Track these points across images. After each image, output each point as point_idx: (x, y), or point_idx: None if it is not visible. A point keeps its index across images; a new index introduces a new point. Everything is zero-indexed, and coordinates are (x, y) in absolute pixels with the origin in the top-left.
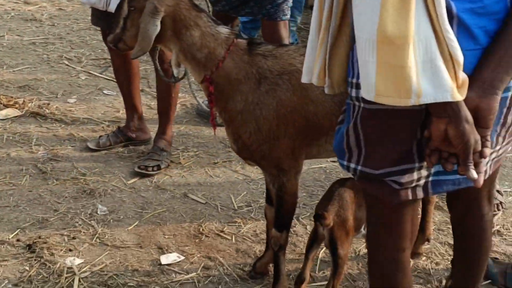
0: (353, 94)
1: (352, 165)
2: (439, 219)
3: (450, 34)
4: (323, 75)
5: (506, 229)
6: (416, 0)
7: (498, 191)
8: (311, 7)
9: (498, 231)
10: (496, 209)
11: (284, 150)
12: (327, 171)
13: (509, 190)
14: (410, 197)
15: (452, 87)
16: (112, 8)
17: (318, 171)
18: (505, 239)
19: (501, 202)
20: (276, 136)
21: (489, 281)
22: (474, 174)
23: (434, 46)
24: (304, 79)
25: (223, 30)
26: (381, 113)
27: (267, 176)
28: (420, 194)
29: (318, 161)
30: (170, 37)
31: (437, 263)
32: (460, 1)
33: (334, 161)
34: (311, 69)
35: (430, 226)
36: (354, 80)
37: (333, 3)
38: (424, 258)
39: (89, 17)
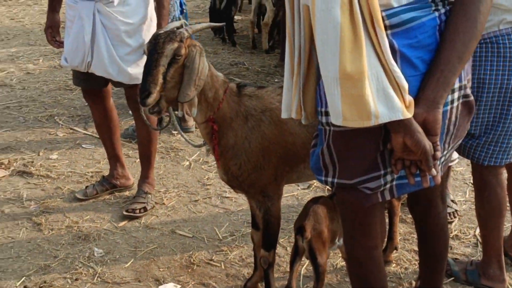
0: (324, 120)
1: (329, 179)
2: (404, 230)
3: (394, 67)
4: (299, 110)
5: (463, 233)
6: (366, 43)
7: (452, 201)
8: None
9: (456, 235)
10: (452, 217)
11: (269, 177)
12: (299, 197)
13: (462, 199)
14: (380, 200)
15: (402, 108)
16: (94, 69)
17: (291, 199)
18: (463, 242)
19: (456, 211)
20: (262, 166)
21: (453, 278)
22: (434, 171)
23: (384, 77)
24: (284, 115)
25: (220, 74)
26: (348, 134)
27: (253, 203)
28: (387, 196)
29: (290, 190)
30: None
31: (406, 268)
32: (400, 39)
33: (304, 189)
34: (289, 106)
35: (397, 236)
36: (323, 109)
37: (301, 52)
38: (394, 264)
39: (57, 79)
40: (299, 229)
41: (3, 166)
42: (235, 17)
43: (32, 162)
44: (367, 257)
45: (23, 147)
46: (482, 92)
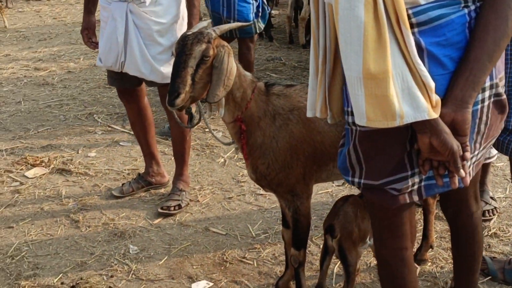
0: (350, 120)
1: (356, 180)
2: (441, 228)
3: (421, 66)
4: (324, 109)
5: (502, 231)
6: (391, 42)
7: (492, 198)
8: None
9: (495, 233)
10: (491, 214)
11: (297, 177)
12: (334, 194)
13: (502, 196)
14: (408, 201)
15: (427, 108)
16: (127, 69)
17: (326, 196)
18: (502, 239)
19: (495, 208)
20: (290, 165)
21: (490, 277)
22: (463, 173)
23: (409, 76)
24: (309, 114)
25: (248, 73)
26: (374, 134)
27: (282, 202)
28: (415, 197)
29: (325, 187)
30: None
31: (441, 267)
32: (427, 37)
33: (338, 186)
34: (314, 105)
35: (432, 234)
36: (349, 109)
37: (326, 50)
38: (429, 263)
39: (97, 77)
40: (328, 228)
41: (43, 164)
42: (272, 12)
43: (71, 160)
44: (396, 258)
45: (63, 145)
46: None
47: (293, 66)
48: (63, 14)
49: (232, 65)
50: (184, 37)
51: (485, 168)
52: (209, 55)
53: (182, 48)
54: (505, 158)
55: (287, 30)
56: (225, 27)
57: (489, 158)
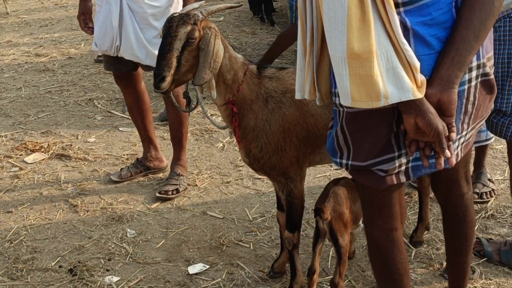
0: (337, 101)
1: (344, 161)
2: (437, 210)
3: (406, 45)
4: (313, 90)
5: (499, 213)
6: (375, 21)
7: (489, 180)
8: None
9: (492, 215)
10: (489, 196)
11: (290, 159)
12: (331, 178)
13: (500, 178)
14: (395, 182)
15: (412, 88)
16: (122, 53)
17: (323, 179)
18: (499, 221)
19: (493, 190)
20: (283, 148)
21: (486, 259)
22: (448, 153)
23: (394, 56)
24: (298, 96)
25: (239, 55)
26: (360, 115)
27: (276, 185)
28: (402, 178)
29: (323, 171)
30: None
31: (437, 249)
32: (413, 16)
33: (337, 169)
34: (303, 87)
35: (428, 216)
36: (337, 90)
37: (313, 31)
38: (425, 245)
39: (97, 63)
40: (317, 211)
41: (42, 149)
42: None
43: (71, 145)
44: (386, 239)
45: (62, 131)
46: None
47: (294, 50)
48: (65, 0)
49: (218, 47)
50: (170, 19)
51: (482, 150)
52: (194, 37)
53: (168, 30)
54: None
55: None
56: (213, 8)
57: (486, 140)
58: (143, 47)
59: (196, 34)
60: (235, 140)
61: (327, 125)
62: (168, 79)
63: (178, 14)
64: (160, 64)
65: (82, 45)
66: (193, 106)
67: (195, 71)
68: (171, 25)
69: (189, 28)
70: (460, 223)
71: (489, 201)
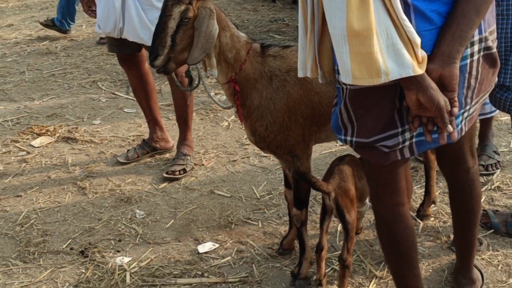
0: (340, 79)
1: (348, 138)
2: (444, 184)
3: (406, 21)
4: (315, 68)
5: (505, 185)
6: None
7: (495, 152)
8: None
9: (498, 186)
10: (494, 168)
11: (296, 138)
12: (337, 154)
13: (506, 150)
14: (399, 157)
15: (413, 64)
16: (126, 35)
17: (329, 156)
18: (505, 193)
19: (498, 161)
20: (289, 126)
21: (492, 230)
22: (450, 128)
23: (394, 33)
24: (300, 74)
25: (242, 34)
26: (363, 92)
27: (282, 163)
28: (407, 153)
29: (328, 147)
30: None
31: (444, 222)
32: None
33: (342, 145)
34: (305, 65)
35: (434, 190)
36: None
37: (314, 8)
38: (432, 218)
39: (100, 45)
40: (315, 187)
41: (49, 133)
42: None
43: (77, 128)
44: (393, 214)
45: (67, 114)
46: None
47: (297, 27)
48: None
49: (212, 28)
50: None
51: (487, 122)
52: (188, 17)
53: (164, 9)
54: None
55: None
56: None
57: (490, 112)
58: (146, 28)
59: (190, 14)
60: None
61: (332, 103)
62: (162, 57)
63: None
64: (154, 43)
65: (84, 27)
66: (195, 85)
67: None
68: (167, 4)
69: (183, 7)
70: (467, 197)
71: (495, 173)
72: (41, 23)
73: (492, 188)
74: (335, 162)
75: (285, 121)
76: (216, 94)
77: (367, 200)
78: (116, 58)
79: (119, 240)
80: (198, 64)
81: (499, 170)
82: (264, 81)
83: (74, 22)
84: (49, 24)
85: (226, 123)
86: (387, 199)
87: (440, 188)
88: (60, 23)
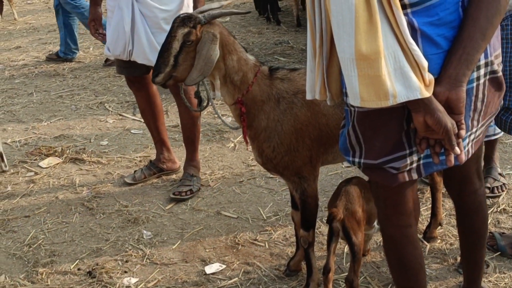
0: (348, 101)
1: (357, 160)
2: (450, 205)
3: (413, 45)
4: (324, 90)
5: (511, 207)
6: (382, 23)
7: (500, 174)
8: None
9: (504, 209)
10: (500, 190)
11: (303, 159)
12: (343, 176)
13: (511, 172)
14: (407, 179)
15: (420, 87)
16: (135, 57)
17: (335, 177)
18: (511, 215)
19: (504, 184)
20: (296, 148)
21: (499, 253)
22: (458, 150)
23: (401, 56)
24: (308, 96)
25: (251, 57)
26: (371, 114)
27: (290, 184)
28: (414, 175)
29: (334, 168)
30: (217, 62)
31: (451, 244)
32: (420, 17)
33: (348, 167)
34: (313, 87)
35: (440, 212)
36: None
37: (322, 32)
38: (439, 240)
39: (106, 67)
40: (331, 215)
41: (56, 153)
42: None
43: (84, 148)
44: (401, 235)
45: (75, 135)
46: None
47: (301, 49)
48: None
49: (213, 52)
50: (174, 19)
51: (492, 144)
52: (190, 40)
53: (170, 30)
54: None
55: (295, 13)
56: (216, 13)
57: (495, 134)
58: (155, 51)
59: (193, 37)
60: None
61: (339, 125)
62: (162, 75)
63: (182, 15)
64: (158, 61)
65: (91, 49)
66: (204, 105)
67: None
68: (173, 26)
69: (186, 30)
70: (473, 219)
71: (500, 195)
72: (47, 58)
73: (498, 210)
74: (342, 184)
75: (292, 143)
76: (223, 115)
77: (375, 223)
78: (123, 79)
79: (126, 261)
80: (207, 85)
81: (505, 192)
82: (272, 103)
83: (77, 45)
84: (54, 57)
85: (232, 144)
86: (395, 221)
87: (446, 210)
88: (65, 54)
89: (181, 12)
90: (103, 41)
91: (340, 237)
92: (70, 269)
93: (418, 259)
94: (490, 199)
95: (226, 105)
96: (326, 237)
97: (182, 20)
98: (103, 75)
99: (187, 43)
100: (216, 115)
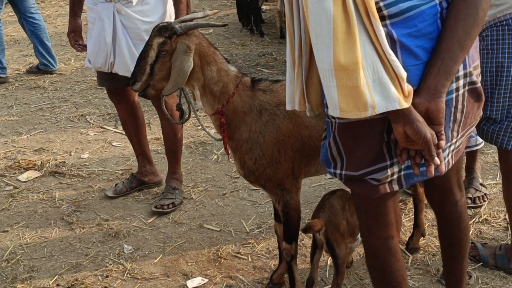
0: (328, 112)
1: (338, 171)
2: (432, 216)
3: (392, 56)
4: (303, 101)
5: (493, 217)
6: (360, 33)
7: (481, 184)
8: None
9: (486, 219)
10: (481, 201)
11: (285, 171)
12: (326, 187)
13: (492, 183)
14: (388, 190)
15: (399, 97)
16: (116, 69)
17: (318, 189)
18: (493, 226)
19: (485, 194)
20: (278, 160)
21: (481, 263)
22: (437, 161)
23: (380, 67)
24: (288, 107)
25: (233, 68)
26: (351, 125)
27: (272, 196)
28: (395, 187)
29: (318, 180)
30: (195, 73)
31: (433, 255)
32: (398, 28)
33: (331, 178)
34: (292, 98)
35: (423, 223)
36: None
37: (302, 43)
38: (421, 251)
39: (88, 78)
40: (307, 230)
41: (36, 167)
42: (263, 7)
43: (64, 162)
44: (382, 247)
45: (55, 148)
46: (502, 76)
47: (285, 61)
48: (53, 17)
49: (186, 64)
50: (154, 27)
51: (473, 155)
52: (164, 50)
53: (148, 39)
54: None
55: (278, 25)
56: (191, 24)
57: (476, 145)
58: None
59: (167, 47)
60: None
61: (322, 137)
62: (139, 83)
63: (161, 24)
64: (135, 68)
65: (72, 61)
66: (186, 118)
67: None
68: (151, 34)
69: (161, 40)
70: (455, 230)
71: (482, 205)
72: (27, 71)
73: (480, 220)
74: (326, 196)
75: (275, 155)
76: (206, 127)
77: (358, 236)
78: (104, 92)
79: (107, 276)
80: (190, 97)
81: (486, 202)
82: (254, 114)
83: (55, 57)
84: (35, 71)
85: (215, 157)
86: (376, 232)
87: (429, 221)
88: (45, 65)
89: None
90: (83, 51)
91: (324, 250)
92: (49, 284)
93: (401, 271)
94: (472, 209)
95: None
96: (308, 250)
97: (159, 30)
98: (84, 87)
99: (162, 52)
100: (200, 127)
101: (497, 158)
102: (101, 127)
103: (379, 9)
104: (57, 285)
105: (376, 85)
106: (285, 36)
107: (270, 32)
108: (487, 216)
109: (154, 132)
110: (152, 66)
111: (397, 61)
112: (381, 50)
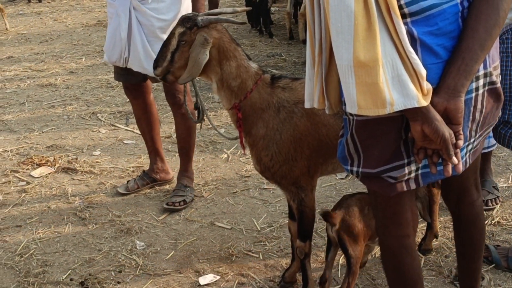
0: (346, 109)
1: (355, 169)
2: (445, 218)
3: (412, 54)
4: (322, 99)
5: (505, 220)
6: (381, 31)
7: (494, 187)
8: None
9: (498, 222)
10: (494, 203)
11: (301, 169)
12: (337, 187)
13: (505, 185)
14: (405, 189)
15: (417, 95)
16: (131, 65)
17: (329, 189)
18: (505, 228)
19: (498, 197)
20: (294, 157)
21: (494, 265)
22: (455, 160)
23: (400, 64)
24: (307, 105)
25: (254, 65)
26: (370, 123)
27: (287, 194)
28: (412, 185)
29: (328, 180)
30: (213, 66)
31: (446, 256)
32: (420, 27)
33: (342, 179)
34: (311, 95)
35: (436, 224)
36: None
37: (322, 41)
38: (434, 253)
39: (99, 77)
40: (326, 214)
41: (49, 163)
42: (272, 8)
43: (76, 159)
44: (399, 246)
45: (67, 145)
46: None
47: (294, 62)
48: (64, 16)
49: (202, 56)
50: (181, 16)
51: (486, 157)
52: (184, 40)
53: (174, 27)
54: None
55: (287, 26)
56: (213, 18)
57: (489, 147)
58: (150, 59)
59: (186, 37)
60: (239, 151)
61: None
62: (160, 68)
63: (186, 15)
64: (158, 54)
65: (83, 59)
66: (201, 117)
67: None
68: (177, 23)
69: (182, 30)
70: (471, 230)
71: (494, 208)
72: None
73: (492, 223)
74: (345, 197)
75: (291, 152)
76: (217, 126)
77: (376, 239)
78: (115, 90)
79: (119, 271)
80: (202, 97)
81: (499, 205)
82: (272, 111)
83: None
84: None
85: (226, 155)
86: (393, 230)
87: (441, 223)
88: None
89: None
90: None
91: (337, 248)
92: (62, 279)
93: (417, 270)
94: (484, 211)
95: (224, 118)
96: (320, 249)
97: (182, 20)
98: (95, 85)
99: (181, 42)
100: (210, 126)
101: (509, 161)
102: (112, 125)
103: (400, 7)
104: (71, 279)
105: (395, 82)
106: (294, 37)
107: (279, 33)
108: (500, 218)
109: (164, 131)
110: (173, 53)
111: (417, 59)
112: (401, 47)
